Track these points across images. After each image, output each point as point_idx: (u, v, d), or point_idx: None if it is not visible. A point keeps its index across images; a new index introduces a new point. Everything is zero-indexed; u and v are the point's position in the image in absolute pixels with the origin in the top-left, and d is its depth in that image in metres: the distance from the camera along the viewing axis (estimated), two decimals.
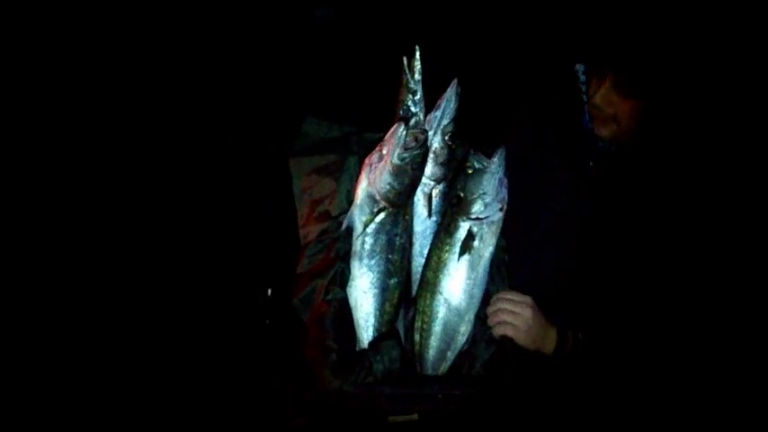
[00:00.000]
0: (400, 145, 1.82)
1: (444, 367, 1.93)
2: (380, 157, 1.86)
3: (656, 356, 1.91)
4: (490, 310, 1.89)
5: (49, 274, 2.58)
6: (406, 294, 1.97)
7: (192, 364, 2.42)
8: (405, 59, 1.86)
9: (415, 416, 1.80)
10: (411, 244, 1.97)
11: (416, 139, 1.83)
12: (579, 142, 2.00)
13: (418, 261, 1.98)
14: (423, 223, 1.98)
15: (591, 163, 2.01)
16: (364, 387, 1.75)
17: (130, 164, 2.54)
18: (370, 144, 1.93)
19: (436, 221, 1.97)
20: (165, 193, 2.50)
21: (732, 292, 1.95)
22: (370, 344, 1.88)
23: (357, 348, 1.90)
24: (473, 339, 1.92)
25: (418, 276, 1.97)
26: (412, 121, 1.85)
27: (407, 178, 1.85)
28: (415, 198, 1.96)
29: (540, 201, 2.02)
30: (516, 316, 1.86)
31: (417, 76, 1.86)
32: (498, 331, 1.86)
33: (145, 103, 2.56)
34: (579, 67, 2.03)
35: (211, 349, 2.39)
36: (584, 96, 1.99)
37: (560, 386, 1.94)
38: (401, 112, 1.87)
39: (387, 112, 1.94)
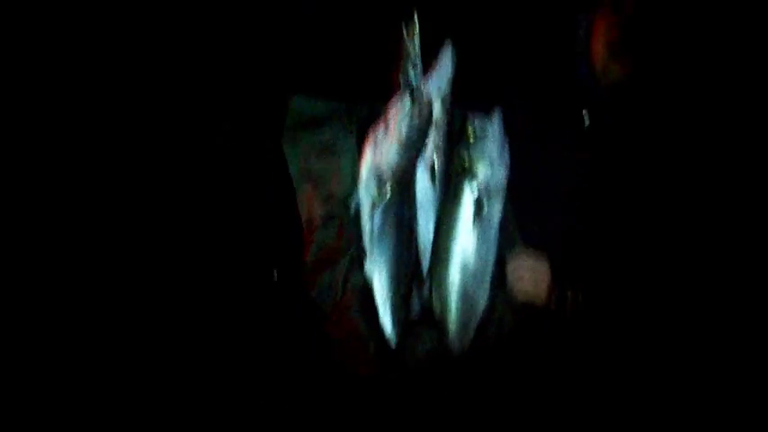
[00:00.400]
0: (407, 119, 1.74)
1: (469, 335, 1.92)
2: (385, 133, 1.77)
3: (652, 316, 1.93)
4: (510, 267, 1.89)
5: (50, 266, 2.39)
6: (418, 270, 1.92)
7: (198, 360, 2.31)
8: (404, 26, 1.75)
9: None
10: (416, 216, 1.92)
11: (422, 112, 1.75)
12: (574, 92, 1.97)
13: (425, 234, 1.92)
14: (426, 194, 1.92)
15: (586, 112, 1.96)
16: None
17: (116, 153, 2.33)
18: (365, 118, 1.83)
19: (440, 192, 1.92)
20: (153, 184, 2.31)
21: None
22: (405, 328, 1.84)
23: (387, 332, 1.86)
24: (492, 304, 1.92)
25: (427, 250, 1.93)
26: (416, 93, 1.76)
27: (414, 152, 1.79)
28: (418, 170, 1.89)
29: (539, 158, 2.01)
30: (535, 273, 1.88)
31: (417, 43, 1.76)
32: (520, 295, 1.88)
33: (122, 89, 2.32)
34: (580, 18, 1.98)
35: (217, 344, 2.28)
36: (580, 47, 1.96)
37: (558, 345, 1.96)
38: (403, 83, 1.77)
39: (375, 83, 1.84)
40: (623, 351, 1.94)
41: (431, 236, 1.91)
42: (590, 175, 1.97)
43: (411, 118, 1.74)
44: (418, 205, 1.91)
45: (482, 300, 1.91)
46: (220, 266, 2.24)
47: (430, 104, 1.76)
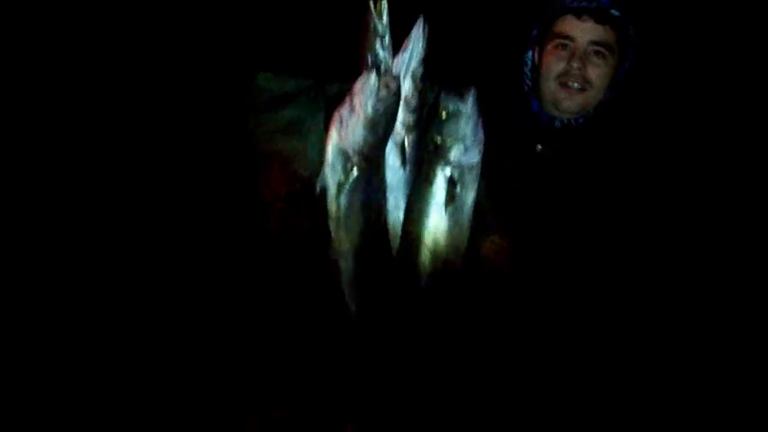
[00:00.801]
0: (373, 95, 1.66)
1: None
2: (351, 111, 1.70)
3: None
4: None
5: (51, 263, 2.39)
6: (387, 253, 1.86)
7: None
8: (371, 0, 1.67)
9: None
10: (386, 197, 1.85)
11: (389, 88, 1.68)
12: (526, 126, 2.04)
13: (395, 215, 1.86)
14: (396, 174, 1.84)
15: (539, 146, 2.08)
16: None
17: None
18: (335, 96, 1.76)
19: (410, 172, 1.85)
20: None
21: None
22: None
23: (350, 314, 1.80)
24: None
25: (397, 232, 1.86)
26: (382, 69, 1.69)
27: (381, 130, 1.71)
28: (387, 149, 1.81)
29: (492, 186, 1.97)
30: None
31: (385, 18, 1.68)
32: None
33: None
34: (528, 55, 2.13)
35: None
36: (529, 83, 2.12)
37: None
38: (369, 58, 1.69)
39: (345, 60, 1.76)
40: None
41: (401, 218, 1.85)
42: (542, 203, 1.99)
43: (377, 94, 1.66)
44: (388, 186, 1.85)
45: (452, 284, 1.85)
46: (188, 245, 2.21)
47: (397, 80, 1.69)
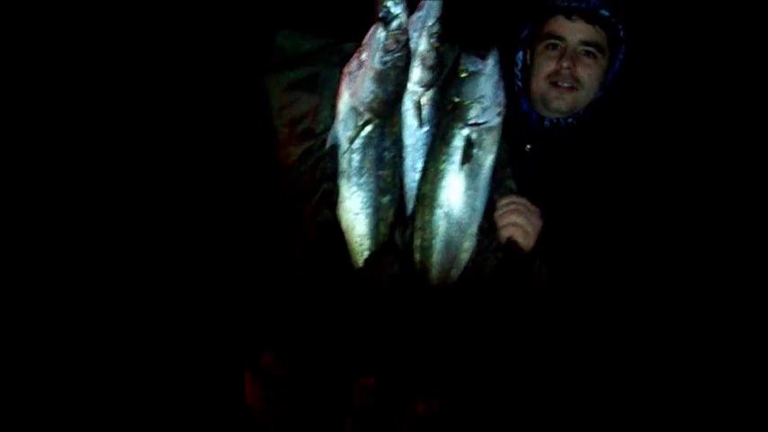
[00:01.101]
0: (380, 48, 1.66)
1: (449, 283, 1.81)
2: (360, 65, 1.70)
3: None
4: (502, 204, 1.80)
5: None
6: (401, 213, 1.82)
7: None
8: None
9: None
10: (402, 158, 1.81)
11: (397, 41, 1.67)
12: (516, 126, 1.99)
13: (411, 176, 1.82)
14: (413, 135, 1.81)
15: (528, 146, 2.09)
16: None
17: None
18: (351, 55, 1.77)
19: (428, 132, 1.80)
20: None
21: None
22: (367, 261, 1.75)
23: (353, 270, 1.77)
24: (478, 251, 1.80)
25: (413, 193, 1.82)
26: (393, 24, 1.68)
27: (391, 84, 1.70)
28: (404, 108, 1.79)
29: None
30: (528, 221, 1.78)
31: None
32: (508, 232, 1.78)
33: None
34: (519, 55, 2.16)
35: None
36: (520, 83, 2.15)
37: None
38: (380, 13, 1.69)
39: (366, 21, 1.77)
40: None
41: (417, 179, 1.81)
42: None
43: (385, 47, 1.65)
44: (404, 146, 1.82)
45: (466, 250, 1.80)
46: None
47: (407, 34, 1.68)
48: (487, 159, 1.77)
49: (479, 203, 1.78)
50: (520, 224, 1.76)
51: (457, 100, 1.76)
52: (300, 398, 1.90)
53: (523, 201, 1.80)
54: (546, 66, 2.07)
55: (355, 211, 1.77)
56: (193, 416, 2.48)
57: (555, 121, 2.09)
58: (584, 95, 2.06)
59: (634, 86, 2.17)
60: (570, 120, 2.09)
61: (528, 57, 2.16)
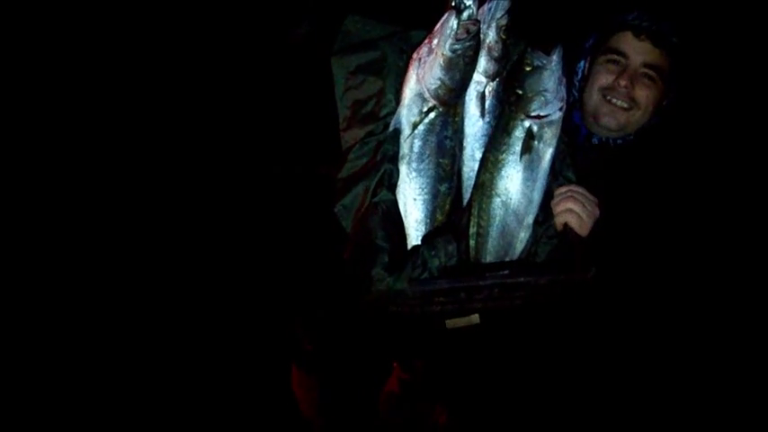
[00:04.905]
0: (451, 36, 1.68)
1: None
2: (430, 51, 1.72)
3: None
4: (560, 193, 1.80)
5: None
6: (458, 201, 1.85)
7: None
8: None
9: (476, 317, 1.68)
10: (462, 147, 1.84)
11: (468, 31, 1.69)
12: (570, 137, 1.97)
13: (470, 165, 1.85)
14: (475, 124, 1.84)
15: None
16: (419, 283, 1.60)
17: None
18: (418, 43, 1.79)
19: (489, 122, 1.83)
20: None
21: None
22: (424, 238, 1.77)
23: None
24: (534, 239, 1.81)
25: (470, 182, 1.85)
26: (464, 13, 1.70)
27: (459, 73, 1.71)
28: (467, 98, 1.81)
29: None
30: (585, 208, 1.77)
31: None
32: (563, 218, 1.77)
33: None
34: (580, 65, 2.13)
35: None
36: (576, 93, 2.13)
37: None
38: (453, 3, 1.72)
39: (433, 11, 1.80)
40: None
41: (476, 168, 1.84)
42: None
43: (456, 35, 1.68)
44: (465, 136, 1.84)
45: (521, 240, 1.81)
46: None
47: (478, 24, 1.70)
48: (547, 153, 1.79)
49: (537, 195, 1.80)
50: (576, 211, 1.76)
51: (520, 92, 1.77)
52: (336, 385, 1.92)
53: (582, 189, 1.80)
54: (602, 78, 2.06)
55: (413, 196, 1.79)
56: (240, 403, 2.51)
57: (604, 139, 2.09)
58: (638, 118, 2.05)
59: (689, 118, 2.15)
60: (620, 141, 2.08)
61: (587, 67, 2.14)
